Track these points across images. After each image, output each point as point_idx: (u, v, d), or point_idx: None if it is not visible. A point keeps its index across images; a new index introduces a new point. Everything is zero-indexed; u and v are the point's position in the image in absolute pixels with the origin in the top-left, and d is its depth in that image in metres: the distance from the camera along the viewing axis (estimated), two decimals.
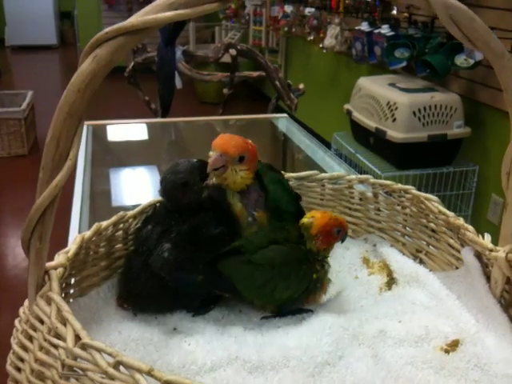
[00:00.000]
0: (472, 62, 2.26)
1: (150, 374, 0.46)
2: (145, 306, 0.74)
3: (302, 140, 1.75)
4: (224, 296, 0.78)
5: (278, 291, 0.72)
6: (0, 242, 2.76)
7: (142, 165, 1.64)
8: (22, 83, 5.51)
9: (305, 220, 0.75)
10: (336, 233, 0.76)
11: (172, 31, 2.42)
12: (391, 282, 0.83)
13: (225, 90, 2.66)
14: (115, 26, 0.50)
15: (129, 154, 1.79)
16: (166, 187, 0.76)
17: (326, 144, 3.09)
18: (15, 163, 3.72)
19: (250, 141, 0.76)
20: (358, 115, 2.67)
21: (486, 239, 0.72)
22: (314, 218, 0.75)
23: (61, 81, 5.99)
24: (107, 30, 0.51)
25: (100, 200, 1.36)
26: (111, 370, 0.47)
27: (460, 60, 2.36)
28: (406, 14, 2.70)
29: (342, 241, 0.79)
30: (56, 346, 0.53)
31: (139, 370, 0.46)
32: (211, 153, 0.73)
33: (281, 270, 0.72)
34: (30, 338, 0.58)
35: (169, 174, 0.76)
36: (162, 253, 0.72)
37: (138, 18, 0.51)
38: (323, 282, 0.76)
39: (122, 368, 0.48)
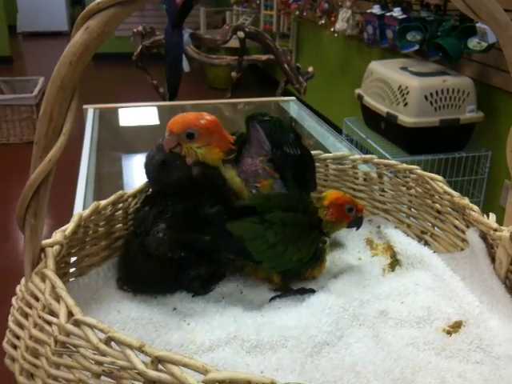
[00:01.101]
0: (485, 45, 2.22)
1: (140, 349, 0.45)
2: (144, 287, 0.74)
3: (309, 122, 1.73)
4: (225, 277, 0.78)
5: (288, 252, 0.73)
6: (12, 228, 2.78)
7: (148, 148, 1.63)
8: (34, 70, 5.52)
9: (319, 194, 0.78)
10: (347, 210, 0.77)
11: (179, 14, 2.40)
12: (395, 263, 0.82)
13: (233, 74, 2.64)
14: None
15: (135, 138, 1.78)
16: (150, 174, 0.76)
17: (337, 129, 3.07)
18: (27, 149, 3.69)
19: (210, 116, 0.74)
20: (369, 100, 2.64)
21: (491, 219, 0.70)
22: (328, 192, 0.78)
23: None
24: (99, 0, 0.49)
25: (106, 183, 1.36)
26: (102, 346, 0.47)
27: (473, 43, 2.32)
28: None
29: (358, 227, 0.80)
30: (49, 323, 0.52)
31: (130, 346, 0.46)
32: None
33: (292, 231, 0.73)
34: (26, 316, 0.57)
35: (147, 161, 0.76)
36: (157, 233, 0.72)
37: None
38: (324, 257, 0.77)
39: (114, 345, 0.48)
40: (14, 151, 3.71)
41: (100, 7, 0.50)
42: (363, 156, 0.88)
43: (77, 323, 0.49)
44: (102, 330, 0.48)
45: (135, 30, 2.69)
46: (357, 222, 0.79)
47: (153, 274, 0.72)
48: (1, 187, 3.20)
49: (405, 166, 0.84)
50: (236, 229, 0.72)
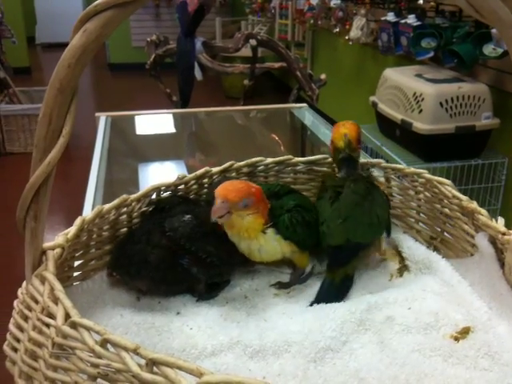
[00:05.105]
0: (500, 51, 2.20)
1: (135, 352, 0.45)
2: (135, 271, 0.72)
3: (320, 129, 1.72)
4: (229, 283, 0.77)
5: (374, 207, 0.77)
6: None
7: (159, 155, 1.64)
8: None
9: (341, 142, 0.80)
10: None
11: (191, 22, 2.41)
12: (403, 268, 0.81)
13: (245, 81, 2.64)
14: None
15: (146, 145, 1.79)
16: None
17: None
18: None
19: (254, 184, 0.74)
20: (383, 107, 2.62)
21: (500, 222, 0.68)
22: (346, 134, 0.79)
23: (90, 77, 6.07)
24: (96, 3, 0.49)
25: (116, 190, 1.36)
26: (98, 348, 0.46)
27: (488, 49, 2.29)
28: (432, 4, 2.64)
29: None
30: (48, 325, 0.52)
31: (125, 348, 0.45)
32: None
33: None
34: (26, 318, 0.57)
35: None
36: (183, 218, 0.73)
37: None
38: None
39: (110, 347, 0.47)
40: (31, 160, 3.75)
41: (97, 10, 0.49)
42: (370, 160, 0.87)
43: (73, 325, 0.49)
44: (98, 332, 0.48)
45: (149, 40, 2.71)
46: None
47: (152, 259, 0.72)
48: (19, 196, 3.23)
49: (412, 169, 0.83)
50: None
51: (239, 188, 0.71)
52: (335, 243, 0.74)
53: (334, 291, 0.73)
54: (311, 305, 0.72)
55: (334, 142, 0.81)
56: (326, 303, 0.71)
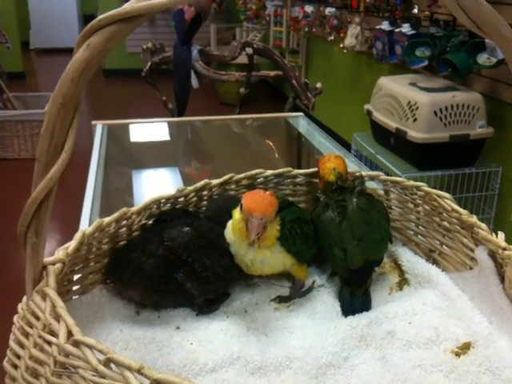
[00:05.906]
0: (494, 60, 2.21)
1: (139, 372, 0.44)
2: (128, 277, 0.71)
3: (317, 139, 1.72)
4: (229, 296, 0.77)
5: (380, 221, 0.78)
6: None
7: (156, 164, 1.63)
8: (46, 85, 5.58)
9: (332, 177, 0.81)
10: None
11: (188, 30, 2.41)
12: (403, 282, 0.81)
13: (241, 90, 2.64)
14: (109, 14, 0.49)
15: (143, 154, 1.78)
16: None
17: (346, 144, 3.06)
18: None
19: (269, 192, 0.73)
20: (378, 115, 2.63)
21: (500, 237, 0.69)
22: (335, 168, 0.81)
23: None
24: (100, 17, 0.49)
25: (113, 199, 1.35)
26: (101, 368, 0.46)
27: (482, 59, 2.31)
28: (427, 13, 2.66)
29: None
30: (49, 343, 0.51)
31: (129, 368, 0.45)
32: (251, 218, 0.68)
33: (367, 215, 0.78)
34: (27, 335, 0.57)
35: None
36: (182, 229, 0.73)
37: (132, 5, 0.49)
38: None
39: (113, 366, 0.47)
40: (25, 166, 3.73)
41: (101, 24, 0.49)
42: (369, 173, 0.87)
43: (76, 343, 0.49)
44: (101, 351, 0.47)
45: (145, 47, 2.71)
46: None
47: (146, 268, 0.71)
48: (12, 202, 3.21)
49: (412, 182, 0.83)
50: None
51: (271, 201, 0.70)
52: (356, 267, 0.75)
53: (360, 303, 0.75)
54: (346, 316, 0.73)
55: (324, 178, 0.81)
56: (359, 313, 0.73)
